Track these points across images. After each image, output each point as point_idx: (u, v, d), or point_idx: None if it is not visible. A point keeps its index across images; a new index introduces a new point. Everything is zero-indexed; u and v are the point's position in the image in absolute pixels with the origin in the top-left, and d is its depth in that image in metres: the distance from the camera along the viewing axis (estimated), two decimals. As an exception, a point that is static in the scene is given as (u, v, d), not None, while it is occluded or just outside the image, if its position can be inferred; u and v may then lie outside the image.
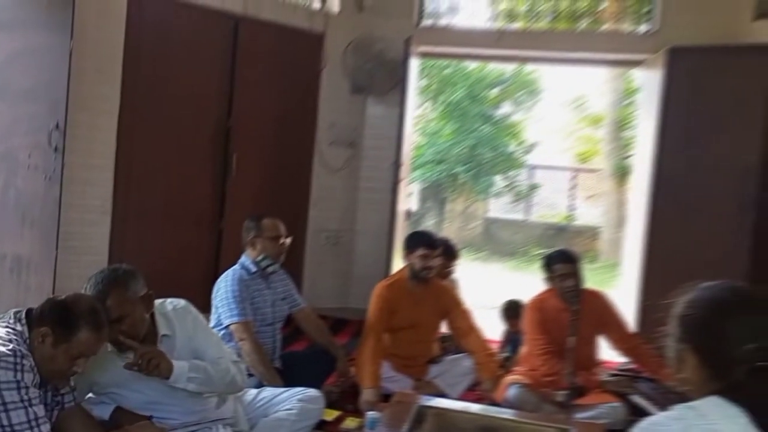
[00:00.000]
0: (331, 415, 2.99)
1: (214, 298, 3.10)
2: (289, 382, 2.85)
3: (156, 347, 2.15)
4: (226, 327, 2.98)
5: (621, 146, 11.00)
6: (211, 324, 3.01)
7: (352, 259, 5.25)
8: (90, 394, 2.24)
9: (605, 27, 5.34)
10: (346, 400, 3.21)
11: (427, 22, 5.30)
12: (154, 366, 2.07)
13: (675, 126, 4.35)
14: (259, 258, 3.10)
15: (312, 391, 2.67)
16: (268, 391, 2.67)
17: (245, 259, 3.15)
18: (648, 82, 4.95)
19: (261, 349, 2.95)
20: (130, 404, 2.21)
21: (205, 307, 2.95)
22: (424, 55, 5.44)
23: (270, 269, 3.12)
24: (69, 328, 1.82)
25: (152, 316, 2.21)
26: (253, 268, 3.11)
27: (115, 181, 4.14)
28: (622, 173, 10.76)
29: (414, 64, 4.96)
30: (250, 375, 2.82)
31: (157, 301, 2.26)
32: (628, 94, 11.27)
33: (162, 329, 2.21)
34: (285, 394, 2.62)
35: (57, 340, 1.80)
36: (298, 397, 2.60)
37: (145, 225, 4.30)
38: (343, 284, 5.23)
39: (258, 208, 3.50)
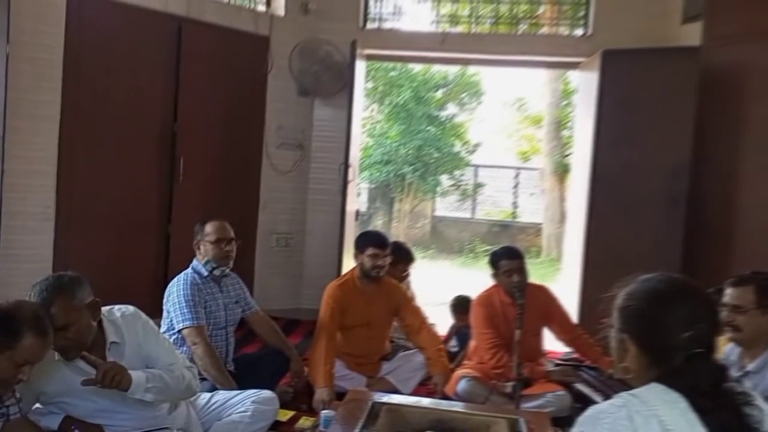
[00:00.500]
0: (286, 415, 3.00)
1: (165, 302, 3.05)
2: (242, 384, 2.83)
3: (115, 361, 2.11)
4: (179, 331, 2.95)
5: (560, 145, 11.35)
6: (163, 329, 2.98)
7: (302, 260, 5.27)
8: (37, 405, 2.19)
9: (543, 31, 5.53)
10: (300, 399, 3.23)
11: (372, 25, 5.37)
12: (117, 382, 2.04)
13: (610, 125, 4.52)
14: (204, 261, 3.08)
15: (266, 393, 2.67)
16: (222, 395, 2.66)
17: (196, 263, 3.12)
18: (584, 84, 5.15)
19: (214, 353, 2.93)
20: (79, 413, 2.16)
21: (154, 313, 2.90)
22: (370, 58, 5.50)
23: (217, 272, 3.09)
24: (12, 334, 1.78)
25: (100, 323, 2.17)
26: (205, 272, 3.08)
27: (57, 188, 4.03)
28: (562, 171, 11.11)
29: (360, 67, 5.01)
30: (203, 379, 2.80)
31: (105, 309, 2.22)
32: (566, 95, 11.64)
33: (111, 336, 2.18)
34: (238, 397, 2.62)
35: (0, 347, 1.77)
36: (252, 398, 2.60)
37: (91, 231, 4.20)
38: (294, 285, 5.24)
39: (206, 212, 3.46)
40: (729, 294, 2.20)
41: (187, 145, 4.58)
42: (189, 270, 3.10)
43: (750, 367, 2.13)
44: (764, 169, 4.15)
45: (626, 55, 4.52)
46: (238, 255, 3.22)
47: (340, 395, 3.01)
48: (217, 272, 3.08)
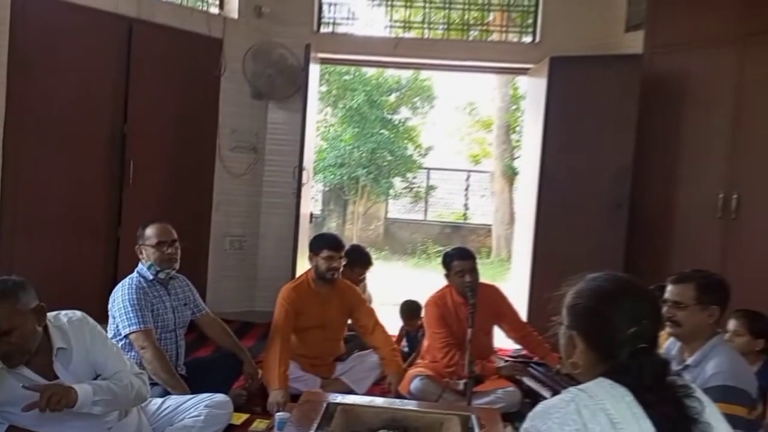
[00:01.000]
0: (240, 418, 2.99)
1: (110, 308, 2.97)
2: (195, 388, 2.80)
3: (56, 383, 2.06)
4: (126, 336, 2.89)
5: (510, 149, 11.61)
6: (109, 335, 2.92)
7: (256, 263, 5.24)
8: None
9: (493, 37, 5.67)
10: (254, 402, 3.21)
11: (325, 29, 5.39)
12: (62, 405, 1.99)
13: (557, 130, 4.65)
14: (148, 265, 3.03)
15: (219, 396, 2.66)
16: (173, 400, 2.63)
17: (141, 266, 3.05)
18: (533, 89, 5.30)
19: (163, 356, 2.88)
20: (24, 422, 2.11)
21: (103, 318, 2.85)
22: (324, 62, 5.52)
23: (161, 276, 3.04)
24: None
25: (46, 329, 2.12)
26: (150, 276, 3.02)
27: (1, 191, 3.90)
28: (511, 174, 11.36)
29: (314, 70, 5.02)
30: (154, 384, 2.77)
31: (52, 314, 2.18)
32: (515, 99, 11.92)
33: (57, 342, 2.12)
34: (191, 401, 2.60)
35: None
36: (205, 403, 2.58)
37: (37, 235, 4.08)
38: (248, 288, 5.21)
39: (158, 215, 3.40)
40: (670, 290, 2.31)
41: (138, 148, 4.50)
42: (134, 274, 3.04)
43: (689, 360, 2.23)
44: (701, 172, 4.37)
45: (572, 61, 4.67)
46: (191, 257, 3.20)
47: (294, 397, 3.01)
48: (161, 275, 3.03)
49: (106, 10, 4.31)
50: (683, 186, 4.47)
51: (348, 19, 5.49)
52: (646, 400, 1.19)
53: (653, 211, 4.55)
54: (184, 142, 4.82)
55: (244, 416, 3.04)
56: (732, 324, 2.87)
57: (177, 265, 3.08)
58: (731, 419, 1.31)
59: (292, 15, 5.19)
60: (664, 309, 2.26)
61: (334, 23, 5.43)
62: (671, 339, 2.41)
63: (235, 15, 5.06)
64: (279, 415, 2.64)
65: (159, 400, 2.61)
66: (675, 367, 2.12)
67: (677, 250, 4.45)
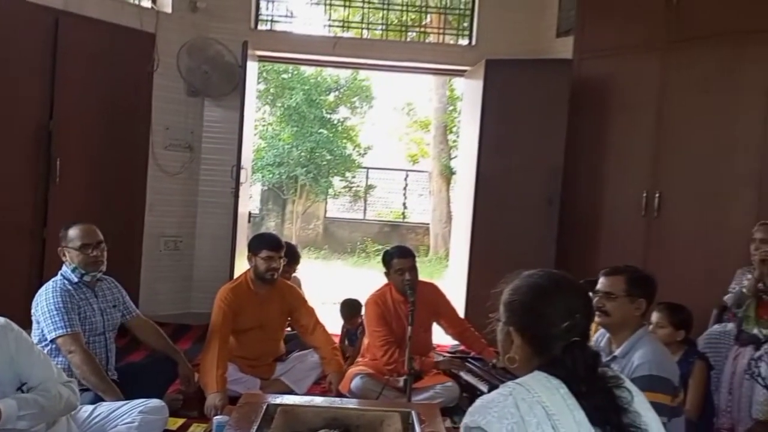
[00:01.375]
0: (176, 423, 2.93)
1: (34, 312, 2.83)
2: (128, 394, 2.72)
3: None
4: (52, 341, 2.77)
5: (447, 149, 11.80)
6: (34, 340, 2.79)
7: (192, 264, 5.13)
8: None
9: (431, 39, 5.76)
10: (191, 406, 3.14)
11: (263, 26, 5.33)
12: None
13: (493, 130, 4.77)
14: (72, 268, 2.91)
15: (154, 402, 2.58)
16: (105, 406, 2.53)
17: (65, 269, 2.92)
18: (469, 91, 5.41)
19: (93, 360, 2.76)
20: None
21: (29, 323, 2.74)
22: (262, 59, 5.45)
23: (86, 279, 2.93)
24: None
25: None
26: (75, 278, 2.90)
27: None
28: (448, 173, 11.55)
29: (252, 68, 4.96)
30: (84, 390, 2.66)
31: (-28, 320, 2.07)
32: (452, 100, 12.12)
33: (-23, 352, 2.02)
34: (124, 407, 2.51)
35: None
36: (139, 408, 2.50)
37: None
38: (184, 289, 5.09)
39: (86, 215, 3.28)
40: (602, 282, 2.43)
41: (65, 145, 4.31)
42: (58, 277, 2.90)
43: (617, 352, 2.34)
44: (627, 172, 4.59)
45: (507, 64, 4.80)
46: (122, 259, 3.10)
47: (233, 400, 2.97)
48: (86, 278, 2.92)
49: (31, 1, 4.11)
50: (610, 185, 4.68)
51: (286, 17, 5.45)
52: (579, 391, 1.24)
53: (582, 209, 4.75)
54: (115, 139, 4.65)
55: (181, 421, 2.98)
56: (655, 316, 3.04)
57: (103, 268, 2.96)
58: (656, 407, 1.36)
59: (228, 11, 5.10)
60: (595, 300, 2.37)
61: (272, 21, 5.38)
62: (600, 331, 2.52)
63: (168, 9, 4.92)
64: (217, 419, 2.59)
65: (90, 407, 2.51)
66: (604, 358, 2.22)
67: (604, 246, 4.66)
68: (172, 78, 4.89)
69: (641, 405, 1.31)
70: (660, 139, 4.41)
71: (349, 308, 4.17)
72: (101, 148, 4.58)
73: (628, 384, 1.32)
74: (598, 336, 2.53)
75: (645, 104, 4.49)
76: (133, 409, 2.49)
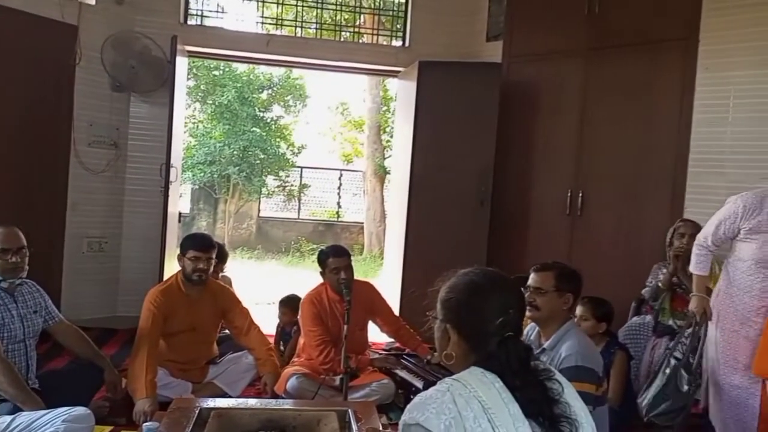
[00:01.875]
0: (103, 431, 2.82)
1: (-55, 321, 2.69)
2: (51, 402, 2.59)
3: None
4: (-34, 351, 2.61)
5: (381, 149, 11.88)
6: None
7: (119, 266, 4.93)
8: None
9: (365, 39, 5.78)
10: (118, 413, 3.03)
11: (193, 21, 5.19)
12: None
13: (426, 131, 4.84)
14: None
15: (78, 410, 2.48)
16: (26, 416, 2.41)
17: None
18: (403, 91, 5.47)
19: (11, 369, 2.61)
20: None
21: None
22: (192, 55, 5.31)
23: (4, 285, 2.78)
24: None
25: None
26: None
27: None
28: (382, 173, 11.63)
29: (181, 63, 4.83)
30: (2, 400, 2.53)
31: None
32: (385, 101, 12.21)
33: None
34: (46, 417, 2.40)
35: None
36: (63, 417, 2.40)
37: None
38: (110, 292, 4.89)
39: (2, 215, 3.10)
40: (533, 278, 2.53)
41: (-22, 141, 4.06)
42: None
43: (546, 344, 2.45)
44: (552, 172, 4.78)
45: (440, 66, 4.88)
46: (42, 261, 2.94)
47: (163, 405, 2.89)
48: (4, 284, 2.78)
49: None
50: (537, 185, 4.86)
51: (217, 12, 5.33)
52: (514, 384, 1.28)
53: (511, 208, 4.90)
54: (35, 135, 4.41)
55: (108, 429, 2.88)
56: (579, 310, 3.18)
57: (24, 273, 2.82)
58: (582, 396, 1.42)
59: (156, 4, 4.94)
60: (526, 295, 2.46)
61: (202, 16, 5.25)
62: (530, 325, 2.62)
63: (92, 1, 4.71)
64: (146, 425, 2.51)
65: (8, 418, 2.38)
66: (534, 351, 2.31)
67: (532, 244, 4.83)
68: (96, 72, 4.69)
69: (570, 396, 1.36)
70: (582, 141, 4.62)
71: (292, 304, 4.14)
72: (19, 144, 4.34)
73: (558, 376, 1.38)
74: (528, 330, 2.62)
75: (569, 107, 4.69)
76: (56, 418, 2.39)
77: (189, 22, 5.15)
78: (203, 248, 3.31)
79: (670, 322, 3.55)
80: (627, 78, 4.41)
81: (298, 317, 3.63)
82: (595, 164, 4.56)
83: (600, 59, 4.55)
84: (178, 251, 3.38)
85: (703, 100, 4.06)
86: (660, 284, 3.61)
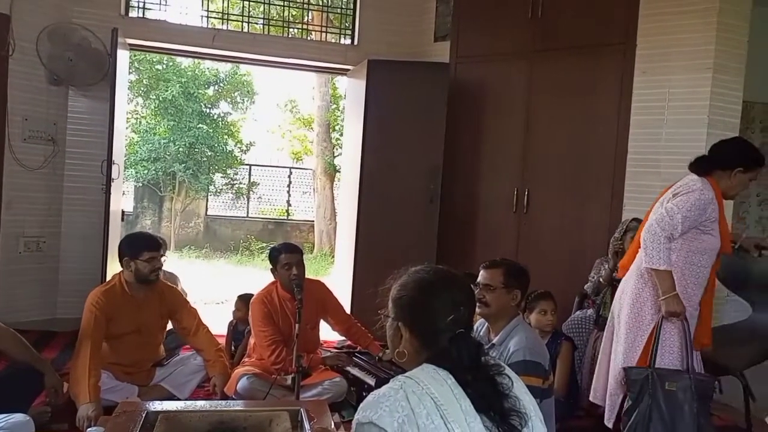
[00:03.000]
0: (45, 437, 2.73)
1: None
2: (-13, 410, 2.50)
3: None
4: None
5: (330, 147, 11.83)
6: None
7: (58, 266, 4.75)
8: None
9: (313, 36, 5.74)
10: (60, 419, 2.93)
11: (134, 13, 5.04)
12: None
13: (375, 129, 4.86)
14: None
15: (16, 417, 2.40)
16: (-40, 426, 2.33)
17: None
18: (352, 89, 5.47)
19: None
20: None
21: None
22: (134, 48, 5.15)
23: None
24: None
25: None
26: None
27: None
28: (332, 171, 11.59)
29: (123, 57, 4.68)
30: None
31: None
32: (335, 99, 12.17)
33: None
34: None
35: None
36: (0, 425, 2.32)
37: None
38: (48, 293, 4.70)
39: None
40: (482, 275, 2.58)
41: None
42: None
43: (495, 339, 2.50)
44: (499, 171, 4.87)
45: (389, 65, 4.90)
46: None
47: (108, 409, 2.81)
48: None
49: None
50: (485, 183, 4.95)
51: (159, 4, 5.18)
52: (465, 380, 1.30)
53: (460, 205, 4.98)
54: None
55: (50, 435, 2.77)
56: (544, 304, 3.30)
57: None
58: (530, 389, 1.46)
59: (95, -5, 4.78)
60: (476, 291, 2.51)
61: (143, 8, 5.10)
62: (479, 321, 2.67)
63: (26, -10, 4.51)
64: (91, 431, 2.44)
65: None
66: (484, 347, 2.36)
67: (480, 241, 4.92)
68: (31, 65, 4.50)
69: (520, 390, 1.39)
70: (527, 140, 4.73)
71: (248, 300, 4.09)
72: (-53, 140, 4.12)
73: (508, 371, 1.41)
74: (478, 326, 2.68)
75: (514, 107, 4.79)
76: None
77: (130, 14, 5.00)
78: (157, 247, 3.29)
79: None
80: (570, 80, 4.55)
81: (249, 318, 3.58)
82: (540, 163, 4.68)
83: (544, 61, 4.67)
84: (122, 256, 3.26)
85: (640, 102, 4.22)
86: (602, 279, 3.74)
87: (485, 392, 1.31)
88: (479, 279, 2.58)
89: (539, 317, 3.34)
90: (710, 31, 3.92)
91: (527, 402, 1.39)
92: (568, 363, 3.35)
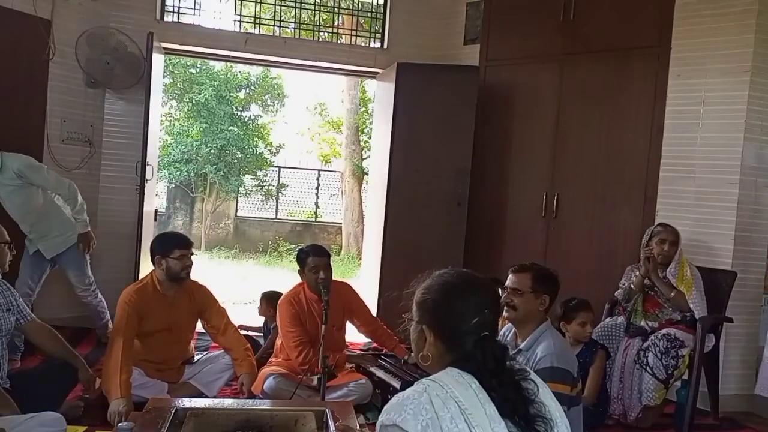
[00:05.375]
0: (77, 431, 2.79)
1: None
2: (24, 403, 2.56)
3: None
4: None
5: (359, 149, 11.88)
6: None
7: (93, 264, 4.84)
8: None
9: (343, 40, 5.78)
10: (93, 414, 3.01)
11: (169, 18, 5.14)
12: None
13: (404, 132, 4.88)
14: None
15: (48, 414, 2.45)
16: (-3, 422, 2.38)
17: None
18: (381, 93, 5.49)
19: None
20: None
21: None
22: (168, 52, 5.26)
23: None
24: None
25: None
26: None
27: None
28: (360, 174, 11.63)
29: (158, 60, 4.78)
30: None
31: None
32: (363, 102, 12.21)
33: None
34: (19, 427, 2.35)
35: None
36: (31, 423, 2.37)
37: None
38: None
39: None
40: (511, 279, 2.56)
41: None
42: None
43: (522, 345, 2.48)
44: (528, 175, 4.83)
45: (418, 68, 4.91)
46: (15, 259, 2.89)
47: (138, 406, 2.86)
48: None
49: None
50: (513, 187, 4.92)
51: (193, 9, 5.28)
52: (490, 384, 1.29)
53: (488, 209, 4.95)
54: (7, 131, 4.32)
55: (82, 429, 2.84)
56: (583, 315, 3.27)
57: (7, 268, 2.79)
58: (557, 396, 1.44)
59: (131, 0, 4.89)
60: (503, 295, 2.49)
61: (178, 12, 5.20)
62: (506, 326, 2.65)
63: (66, -5, 4.65)
64: (121, 426, 2.48)
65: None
66: (510, 352, 2.34)
67: (508, 245, 4.89)
68: (70, 68, 4.63)
69: (546, 396, 1.38)
70: (557, 145, 4.69)
71: (268, 297, 4.14)
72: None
73: (534, 376, 1.40)
74: (505, 330, 2.66)
75: (544, 111, 4.75)
76: (22, 425, 2.34)
77: (165, 19, 5.10)
78: (187, 245, 3.34)
79: (642, 324, 3.61)
80: (601, 83, 4.49)
81: (277, 318, 3.61)
82: (570, 167, 4.63)
83: (575, 65, 4.62)
84: (154, 255, 3.32)
85: (674, 106, 4.15)
86: (633, 286, 3.68)
87: (510, 397, 1.30)
88: (507, 283, 2.56)
89: (578, 329, 3.28)
90: (748, 33, 3.83)
91: (553, 408, 1.37)
92: (601, 371, 3.30)
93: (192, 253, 3.36)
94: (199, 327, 3.58)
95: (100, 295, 4.29)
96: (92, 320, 4.37)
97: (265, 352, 3.96)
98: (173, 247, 3.27)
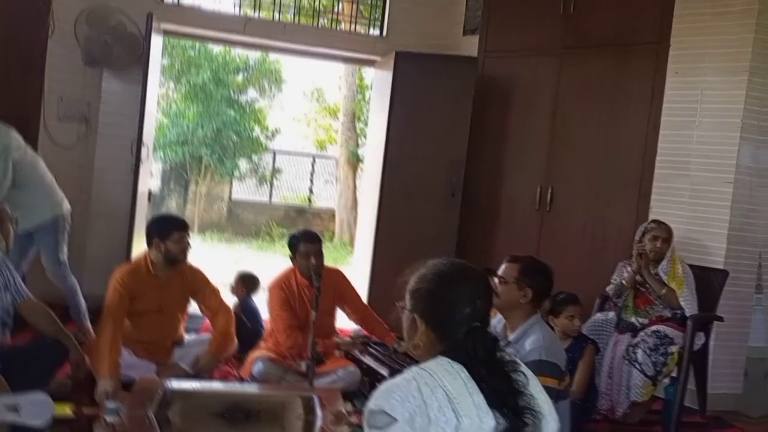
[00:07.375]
0: (65, 408, 2.79)
1: None
2: (13, 380, 2.55)
3: None
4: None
5: (355, 136, 11.85)
6: None
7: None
8: None
9: (342, 27, 5.75)
10: (81, 391, 3.01)
11: (169, -1, 5.10)
12: None
13: (400, 121, 4.86)
14: None
15: (35, 395, 2.44)
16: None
17: None
18: (379, 81, 5.47)
19: None
20: None
21: None
22: (168, 33, 5.21)
23: None
24: None
25: None
26: None
27: None
28: (355, 161, 11.62)
29: (156, 42, 4.74)
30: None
31: None
32: (361, 89, 12.16)
33: None
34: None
35: None
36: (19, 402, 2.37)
37: None
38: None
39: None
40: (502, 267, 2.58)
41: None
42: None
43: (511, 337, 2.48)
44: (523, 167, 4.84)
45: (416, 57, 4.89)
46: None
47: (128, 386, 2.87)
48: None
49: None
50: (508, 179, 4.93)
51: (194, -10, 5.23)
52: (479, 374, 1.30)
53: (482, 200, 4.96)
54: (4, 108, 4.28)
55: (69, 405, 2.83)
56: (571, 309, 3.26)
57: (12, 245, 2.78)
58: (546, 390, 1.45)
59: (132, -21, 4.84)
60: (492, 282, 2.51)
61: (178, -7, 5.15)
62: (497, 317, 2.67)
63: (65, -28, 4.60)
64: (109, 405, 2.49)
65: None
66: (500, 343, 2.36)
67: (501, 236, 4.90)
68: (68, 46, 4.58)
69: (535, 388, 1.39)
70: (554, 138, 4.69)
71: (245, 281, 4.18)
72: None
73: (524, 368, 1.40)
74: (496, 322, 2.67)
75: (541, 104, 4.75)
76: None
77: (165, 1, 5.05)
78: (185, 227, 3.35)
79: (633, 320, 3.64)
80: (599, 78, 4.49)
81: (266, 301, 3.61)
82: (566, 161, 4.63)
83: (574, 59, 4.61)
84: (151, 237, 3.31)
85: (671, 103, 4.15)
86: (624, 282, 3.70)
87: (499, 388, 1.31)
88: (498, 270, 2.58)
89: (566, 322, 3.29)
90: (748, 32, 3.83)
91: (542, 401, 1.38)
92: (590, 366, 3.32)
93: (189, 235, 3.36)
94: (190, 309, 3.58)
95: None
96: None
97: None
98: (172, 229, 3.27)
